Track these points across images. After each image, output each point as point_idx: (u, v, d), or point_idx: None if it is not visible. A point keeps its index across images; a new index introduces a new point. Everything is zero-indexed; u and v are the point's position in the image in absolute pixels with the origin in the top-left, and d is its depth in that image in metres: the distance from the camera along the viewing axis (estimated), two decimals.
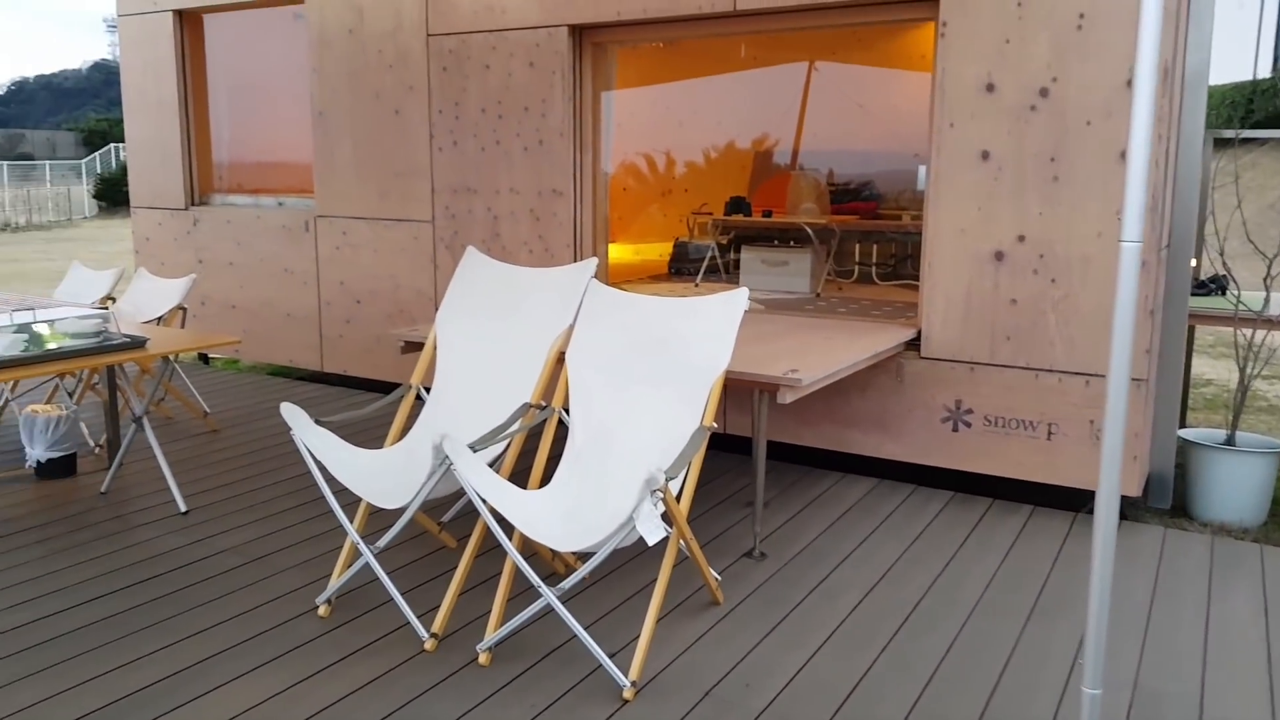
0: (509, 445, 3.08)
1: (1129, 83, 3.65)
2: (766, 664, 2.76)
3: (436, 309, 5.47)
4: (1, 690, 2.56)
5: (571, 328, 3.20)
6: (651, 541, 2.42)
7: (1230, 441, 4.12)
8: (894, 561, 3.49)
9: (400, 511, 2.78)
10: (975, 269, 4.05)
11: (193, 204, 6.46)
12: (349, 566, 3.06)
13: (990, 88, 3.90)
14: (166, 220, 6.55)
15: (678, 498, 2.81)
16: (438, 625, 2.84)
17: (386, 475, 3.07)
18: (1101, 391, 3.86)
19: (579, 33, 4.85)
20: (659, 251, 6.97)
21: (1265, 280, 4.30)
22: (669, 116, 7.18)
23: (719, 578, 3.27)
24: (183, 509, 3.87)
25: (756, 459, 3.44)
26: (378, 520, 3.56)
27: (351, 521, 2.96)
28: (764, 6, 4.29)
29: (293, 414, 2.92)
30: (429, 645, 2.80)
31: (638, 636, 2.87)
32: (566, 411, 3.14)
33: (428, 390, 3.41)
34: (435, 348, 3.40)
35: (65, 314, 3.63)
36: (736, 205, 5.83)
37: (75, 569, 3.32)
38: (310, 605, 3.07)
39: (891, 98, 6.56)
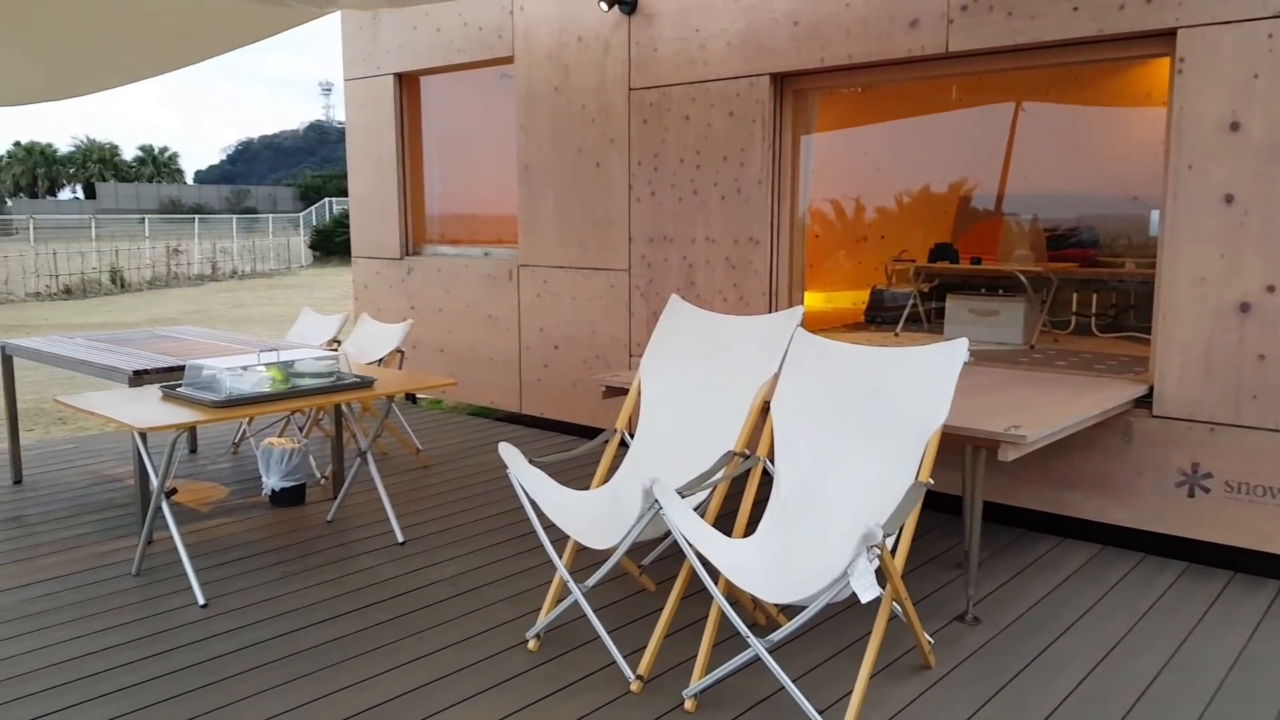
0: (713, 492, 3.08)
1: None
2: None
3: (631, 355, 5.60)
4: (251, 699, 2.77)
5: (776, 376, 3.18)
6: (865, 600, 2.34)
7: None
8: (1123, 635, 3.22)
9: (605, 552, 2.82)
10: (1216, 321, 3.73)
11: (407, 254, 6.92)
12: (557, 603, 3.13)
13: (1235, 126, 3.62)
14: (384, 269, 7.05)
15: (892, 554, 2.71)
16: (644, 667, 2.85)
17: (593, 516, 3.14)
18: None
19: (780, 81, 4.88)
20: (851, 300, 6.85)
21: None
22: (865, 161, 7.09)
23: (931, 641, 3.12)
24: (400, 539, 4.09)
25: (970, 519, 3.28)
26: (582, 559, 3.63)
27: (560, 559, 3.03)
28: (981, 47, 4.18)
29: (510, 454, 3.04)
30: (635, 687, 2.82)
31: (845, 694, 2.78)
32: (771, 460, 3.11)
33: (631, 435, 3.47)
34: (639, 393, 3.46)
35: (303, 355, 3.95)
36: (942, 252, 5.65)
37: (307, 591, 3.57)
38: (520, 639, 3.16)
39: (1106, 137, 6.21)
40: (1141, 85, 6.08)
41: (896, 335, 5.42)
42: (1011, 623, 3.31)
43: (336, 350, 5.01)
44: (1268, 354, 3.63)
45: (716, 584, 2.70)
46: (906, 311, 5.71)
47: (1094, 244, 5.99)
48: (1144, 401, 3.91)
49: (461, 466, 5.32)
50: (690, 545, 2.64)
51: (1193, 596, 3.55)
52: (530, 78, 5.91)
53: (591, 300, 5.77)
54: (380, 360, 5.11)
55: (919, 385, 2.91)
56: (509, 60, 6.04)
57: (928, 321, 5.73)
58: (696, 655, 2.82)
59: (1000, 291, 5.40)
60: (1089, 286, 5.70)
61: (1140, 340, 5.37)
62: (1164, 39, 3.80)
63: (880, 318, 5.94)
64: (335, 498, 4.52)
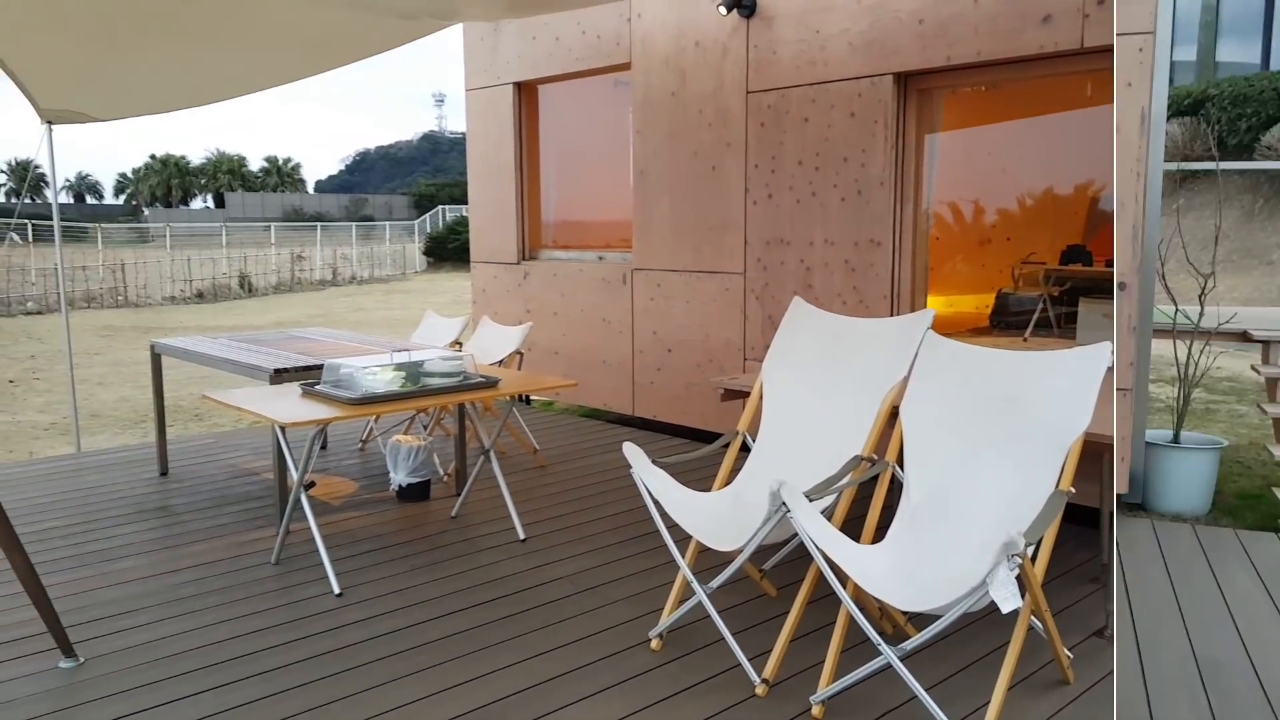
0: (839, 497, 3.03)
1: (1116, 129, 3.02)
2: None
3: (745, 359, 5.57)
4: (384, 687, 2.87)
5: (906, 380, 3.11)
6: (1006, 609, 2.26)
7: (1176, 440, 4.61)
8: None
9: (728, 554, 2.81)
10: None
11: (523, 259, 7.07)
12: (680, 603, 3.14)
13: None
14: (501, 273, 7.22)
15: (1031, 563, 2.61)
16: (769, 671, 2.82)
17: (716, 517, 3.13)
18: None
19: (904, 80, 4.79)
20: (973, 304, 6.66)
21: (1200, 298, 4.81)
22: (989, 161, 6.89)
23: (1070, 655, 2.99)
24: (521, 536, 4.17)
25: (1108, 531, 3.13)
26: (703, 560, 3.63)
27: (683, 559, 3.04)
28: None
29: (634, 454, 3.06)
30: (760, 690, 2.80)
31: (978, 707, 2.70)
32: (900, 466, 3.04)
33: (753, 438, 3.45)
34: (761, 396, 3.44)
35: (432, 355, 4.07)
36: (1075, 254, 5.44)
37: (434, 584, 3.67)
38: (641, 638, 3.17)
39: None
40: None
41: (1025, 340, 5.25)
42: (1152, 638, 3.15)
43: (459, 351, 5.15)
44: None
45: (845, 589, 2.65)
46: (1036, 316, 5.51)
47: None
48: None
49: (577, 467, 5.39)
50: (818, 549, 2.61)
51: None
52: (647, 83, 5.96)
53: (705, 304, 5.77)
54: (500, 361, 5.23)
55: (1060, 391, 2.80)
56: (626, 67, 6.10)
57: (1057, 327, 5.52)
58: (823, 661, 2.78)
59: None
60: None
61: None
62: None
63: (1007, 322, 5.76)
64: (459, 494, 4.64)
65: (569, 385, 4.10)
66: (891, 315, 4.90)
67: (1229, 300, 5.44)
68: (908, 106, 4.81)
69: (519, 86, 6.93)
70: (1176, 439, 4.64)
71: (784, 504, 2.63)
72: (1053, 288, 5.72)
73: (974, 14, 4.43)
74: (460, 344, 5.66)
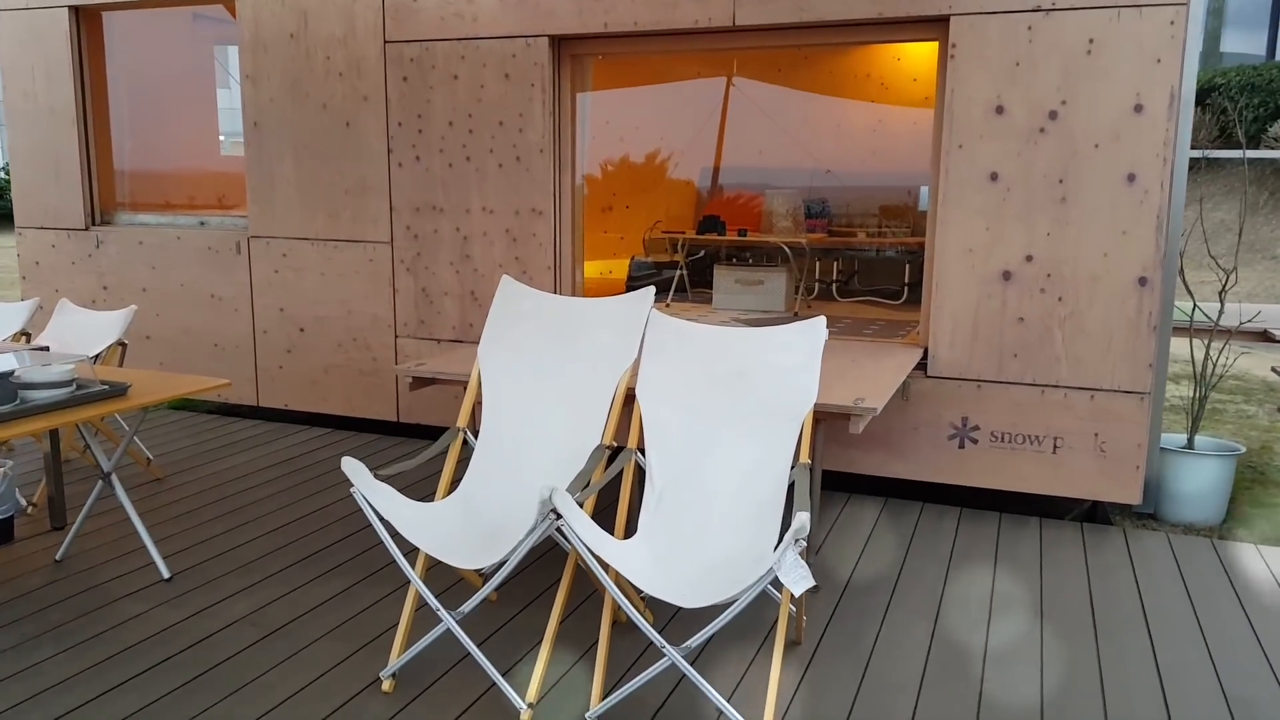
0: (588, 484, 2.86)
1: (1137, 108, 3.79)
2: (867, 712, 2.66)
3: (396, 336, 5.11)
4: None
5: (638, 362, 3.01)
6: (799, 592, 2.28)
7: (1190, 445, 4.34)
8: (944, 582, 3.47)
9: (457, 570, 2.51)
10: (983, 288, 4.11)
11: (94, 224, 5.79)
12: (410, 633, 2.76)
13: (1000, 110, 3.97)
14: (62, 242, 5.84)
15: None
16: (532, 693, 2.58)
17: (449, 530, 2.79)
18: (1106, 405, 3.99)
19: (558, 43, 4.63)
20: (597, 270, 6.81)
21: (1220, 294, 4.56)
22: (607, 130, 7.02)
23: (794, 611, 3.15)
24: (166, 575, 3.40)
25: (812, 491, 3.34)
26: (429, 578, 3.24)
27: (420, 580, 2.66)
28: (765, 22, 4.22)
29: (355, 470, 2.60)
30: (526, 717, 2.55)
31: (740, 678, 2.72)
32: (641, 452, 2.95)
33: (474, 433, 3.13)
34: (480, 386, 3.13)
35: (22, 358, 3.12)
36: (711, 224, 5.74)
37: (58, 659, 2.84)
38: (370, 679, 2.74)
39: (827, 115, 6.65)
40: (860, 67, 6.57)
41: (668, 305, 5.45)
42: (846, 584, 3.44)
43: (28, 346, 4.05)
44: (1026, 317, 4.06)
45: (625, 595, 2.49)
46: (675, 283, 5.75)
47: (825, 216, 6.41)
48: (919, 364, 4.23)
49: (207, 475, 4.57)
50: (593, 554, 2.41)
51: (979, 538, 3.92)
52: (257, 20, 5.12)
53: (346, 276, 5.18)
54: (96, 357, 4.21)
55: (786, 365, 2.88)
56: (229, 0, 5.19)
57: (685, 291, 5.82)
58: (593, 675, 2.61)
59: (765, 262, 5.61)
60: (829, 255, 6.10)
61: (876, 304, 5.85)
62: (938, 25, 4.07)
63: (640, 288, 5.96)
64: (62, 528, 3.67)
65: (221, 385, 3.40)
66: (555, 285, 4.79)
67: (1233, 296, 5.19)
68: (562, 70, 4.67)
69: (76, 11, 5.59)
70: (1190, 444, 4.33)
71: (553, 511, 2.39)
72: (676, 255, 6.01)
73: None
74: (28, 335, 4.47)
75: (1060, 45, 3.85)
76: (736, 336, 2.98)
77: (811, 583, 2.30)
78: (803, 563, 2.29)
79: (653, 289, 3.11)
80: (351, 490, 2.58)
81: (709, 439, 2.89)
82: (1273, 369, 4.97)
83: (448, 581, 3.36)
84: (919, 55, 6.38)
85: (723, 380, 2.93)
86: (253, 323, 5.45)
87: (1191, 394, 4.52)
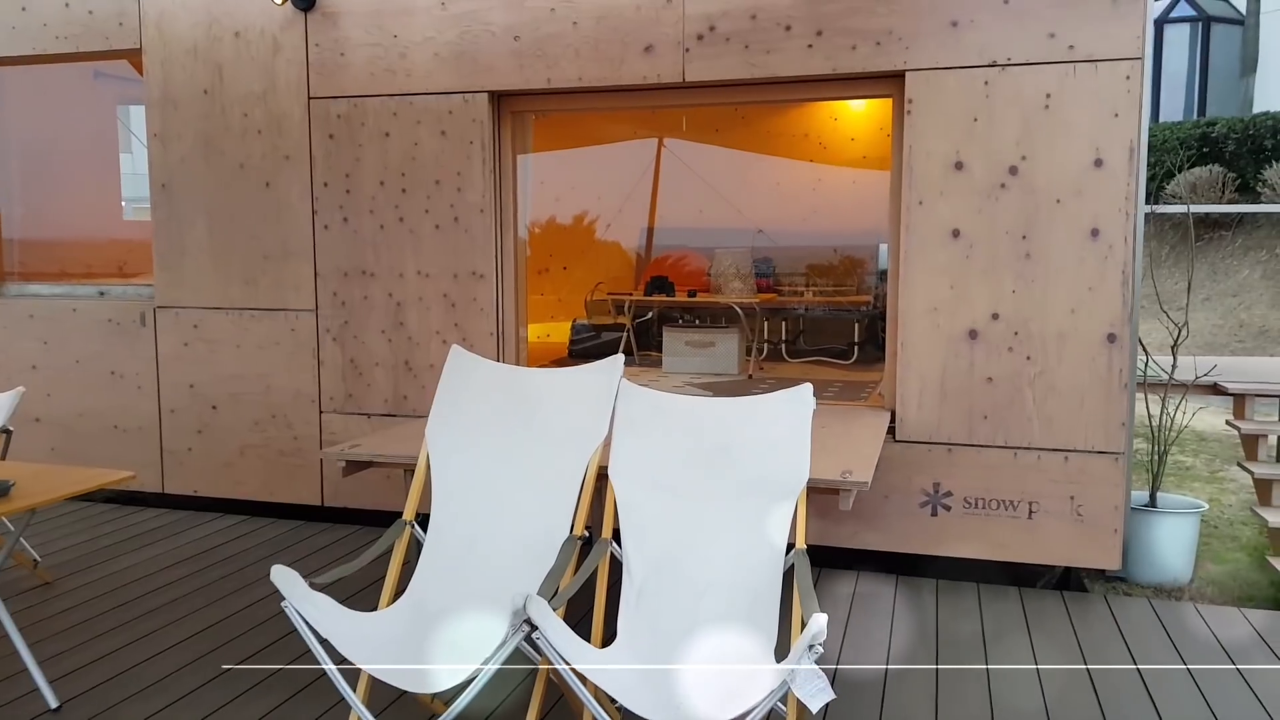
0: (557, 591, 2.53)
1: (1097, 162, 3.73)
2: None
3: (321, 412, 4.70)
4: None
5: (609, 439, 2.71)
6: (815, 708, 1.98)
7: (1152, 503, 4.24)
8: (938, 660, 3.23)
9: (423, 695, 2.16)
10: (949, 348, 3.96)
11: None
12: None
13: (959, 166, 3.87)
14: None
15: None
16: None
17: (397, 645, 2.42)
18: (1081, 467, 3.85)
19: (499, 99, 4.39)
20: (535, 334, 6.52)
21: (1172, 348, 4.53)
22: (543, 190, 6.80)
23: None
24: (52, 704, 2.91)
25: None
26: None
27: (362, 703, 2.27)
28: (716, 79, 4.07)
29: (287, 580, 2.22)
30: None
31: None
32: (615, 542, 2.64)
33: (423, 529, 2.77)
34: (428, 471, 2.78)
35: None
36: (659, 285, 5.52)
37: None
38: None
39: (767, 175, 6.57)
40: (798, 127, 6.53)
41: None
42: (833, 678, 3.16)
43: None
44: (995, 377, 3.92)
45: (604, 711, 2.16)
46: (621, 345, 5.50)
47: (770, 275, 6.28)
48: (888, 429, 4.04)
49: (102, 577, 4.04)
50: (574, 674, 2.08)
51: (961, 614, 3.69)
52: (167, 77, 4.75)
53: (265, 348, 4.76)
54: None
55: (773, 438, 2.63)
56: (136, 54, 4.81)
57: (630, 354, 5.58)
58: None
59: (721, 323, 5.41)
60: (777, 315, 5.94)
61: (826, 364, 5.70)
62: (893, 80, 3.97)
63: (585, 351, 5.68)
64: None
65: (125, 478, 2.97)
66: (498, 352, 4.48)
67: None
68: (503, 127, 4.43)
69: None
70: (1153, 502, 4.25)
71: (528, 622, 2.06)
72: (621, 317, 5.78)
73: (574, 36, 4.20)
74: None
75: (1018, 101, 3.78)
76: (717, 408, 2.72)
77: (831, 696, 2.01)
78: (820, 673, 2.00)
79: (621, 356, 2.84)
80: (283, 604, 2.20)
81: (692, 523, 2.60)
82: (1227, 422, 4.91)
83: (395, 691, 2.96)
84: (856, 115, 6.36)
85: (705, 457, 2.66)
86: (158, 401, 4.97)
87: (1151, 451, 4.41)
